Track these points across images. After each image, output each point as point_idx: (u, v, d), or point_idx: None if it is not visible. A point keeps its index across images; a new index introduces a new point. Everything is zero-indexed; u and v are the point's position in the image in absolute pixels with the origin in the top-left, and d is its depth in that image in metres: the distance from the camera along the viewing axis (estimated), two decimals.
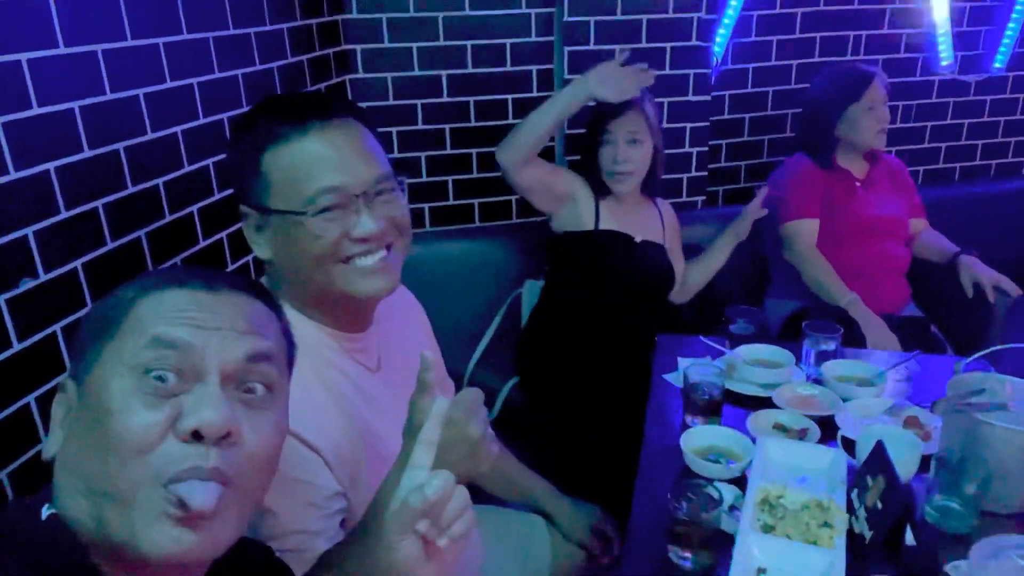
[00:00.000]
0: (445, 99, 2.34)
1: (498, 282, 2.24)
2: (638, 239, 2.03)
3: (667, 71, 2.34)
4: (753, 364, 1.59)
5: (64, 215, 1.17)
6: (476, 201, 2.47)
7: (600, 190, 2.02)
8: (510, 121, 2.38)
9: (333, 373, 1.06)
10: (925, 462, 1.26)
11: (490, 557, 1.32)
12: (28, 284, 1.11)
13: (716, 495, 1.13)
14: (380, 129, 2.22)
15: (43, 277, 1.13)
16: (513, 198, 2.48)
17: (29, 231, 1.11)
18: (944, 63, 2.73)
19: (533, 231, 2.37)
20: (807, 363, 1.61)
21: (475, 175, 2.44)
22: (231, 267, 1.63)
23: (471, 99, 2.36)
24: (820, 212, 2.22)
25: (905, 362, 1.61)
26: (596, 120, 2.00)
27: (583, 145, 2.06)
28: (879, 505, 1.08)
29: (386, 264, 1.03)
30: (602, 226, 2.01)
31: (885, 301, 2.19)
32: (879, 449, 1.14)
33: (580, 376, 1.94)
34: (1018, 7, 2.72)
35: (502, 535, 1.41)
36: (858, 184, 2.27)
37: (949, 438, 1.21)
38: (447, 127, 2.37)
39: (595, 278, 2.00)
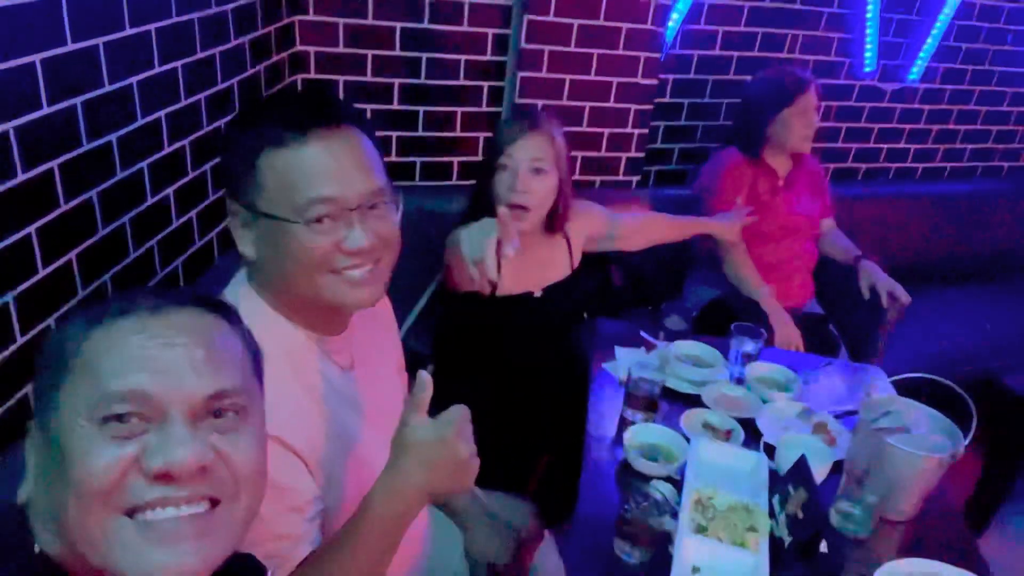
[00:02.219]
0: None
1: (439, 243, 2.25)
2: (538, 292, 1.87)
3: (620, 51, 2.37)
4: (685, 360, 1.72)
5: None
6: (418, 160, 2.44)
7: None
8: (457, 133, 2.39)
9: (311, 375, 1.07)
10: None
11: (430, 542, 1.38)
12: None
13: (660, 498, 1.25)
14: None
15: None
16: (455, 159, 2.47)
17: None
18: (867, 69, 2.90)
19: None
20: (734, 362, 1.75)
21: (419, 132, 2.40)
22: (177, 222, 1.56)
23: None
24: (746, 198, 2.35)
25: (816, 370, 1.78)
26: (494, 143, 1.76)
27: (479, 172, 1.83)
28: (799, 515, 1.23)
29: (374, 276, 1.03)
30: (500, 289, 1.79)
31: (793, 296, 2.38)
32: (802, 463, 1.29)
33: (502, 385, 1.88)
34: (937, 24, 2.91)
35: (441, 518, 1.47)
36: (780, 183, 2.42)
37: (856, 451, 1.38)
38: (396, 82, 2.32)
39: (494, 344, 1.87)
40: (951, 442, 1.34)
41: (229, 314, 0.76)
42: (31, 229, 1.12)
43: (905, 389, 1.71)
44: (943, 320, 2.74)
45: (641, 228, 2.15)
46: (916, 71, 2.99)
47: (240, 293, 1.05)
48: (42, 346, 0.71)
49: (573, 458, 1.52)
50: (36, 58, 1.09)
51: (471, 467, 0.99)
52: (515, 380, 1.88)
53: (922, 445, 1.33)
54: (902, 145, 3.17)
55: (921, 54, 2.96)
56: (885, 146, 3.15)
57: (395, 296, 1.27)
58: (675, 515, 1.27)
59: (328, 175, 0.96)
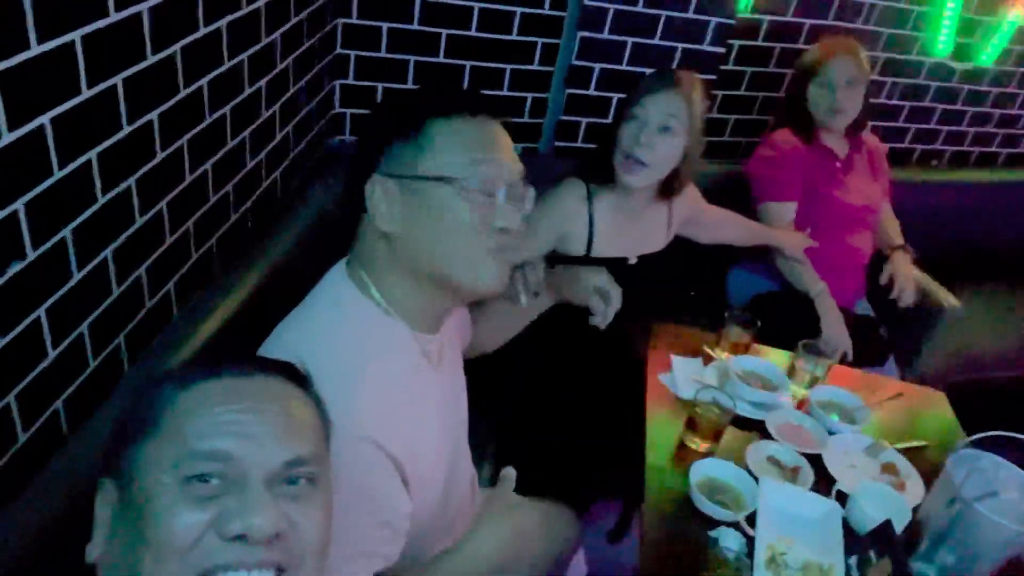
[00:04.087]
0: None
1: None
2: (633, 259, 1.82)
3: (690, 14, 2.16)
4: (746, 379, 1.62)
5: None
6: None
7: (603, 180, 1.74)
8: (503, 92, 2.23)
9: (411, 375, 1.03)
10: None
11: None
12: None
13: (733, 557, 1.18)
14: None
15: None
16: None
17: None
18: (941, 47, 2.70)
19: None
20: (798, 382, 1.65)
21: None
22: (161, 155, 1.41)
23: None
24: (800, 194, 2.20)
25: (882, 402, 1.69)
26: (629, 94, 1.72)
27: (614, 116, 1.78)
28: None
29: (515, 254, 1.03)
30: (594, 250, 1.77)
31: (844, 295, 2.25)
32: (887, 529, 1.20)
33: (565, 389, 1.82)
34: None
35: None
36: (838, 166, 2.24)
37: (938, 513, 1.30)
38: (443, 32, 2.11)
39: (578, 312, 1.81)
40: None
41: (305, 383, 0.79)
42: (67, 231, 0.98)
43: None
44: (984, 319, 2.65)
45: (720, 223, 2.06)
46: (990, 53, 2.78)
47: (341, 288, 1.02)
48: (125, 403, 0.73)
49: (615, 459, 1.45)
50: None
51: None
52: (584, 358, 1.80)
53: (1013, 514, 1.25)
54: (963, 127, 3.00)
55: (999, 35, 2.75)
56: (945, 128, 2.97)
57: None
58: (748, 570, 1.20)
59: (496, 150, 1.00)
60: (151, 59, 1.10)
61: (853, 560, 1.23)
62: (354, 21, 2.00)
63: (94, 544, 0.70)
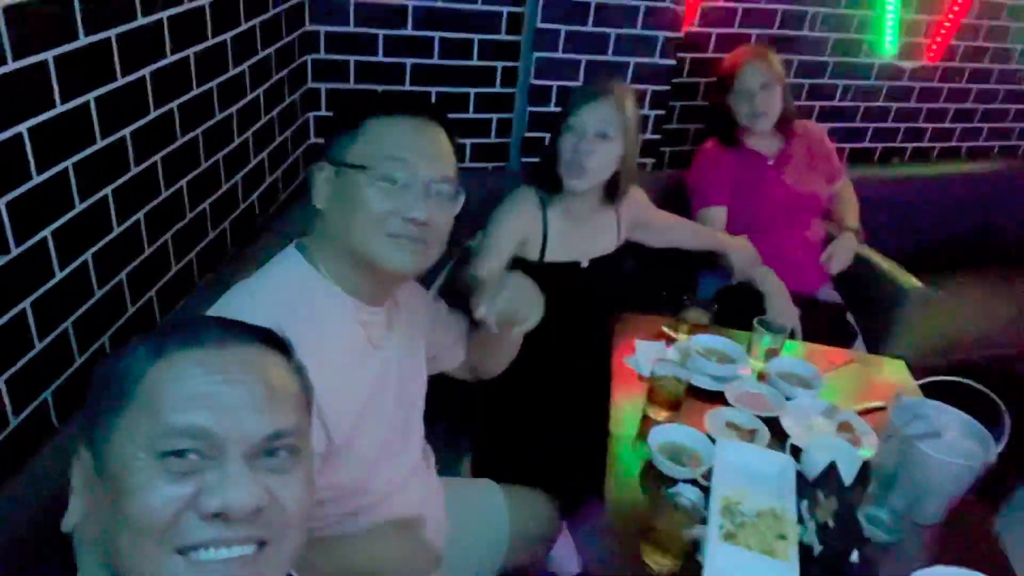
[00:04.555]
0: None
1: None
2: (585, 262, 1.90)
3: (638, 30, 2.30)
4: (706, 355, 1.69)
5: None
6: None
7: (552, 189, 1.83)
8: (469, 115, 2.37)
9: (344, 330, 1.13)
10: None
11: (453, 527, 1.40)
12: None
13: (689, 505, 1.24)
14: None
15: None
16: (468, 141, 2.42)
17: None
18: (887, 47, 2.83)
19: (485, 176, 2.37)
20: (756, 358, 1.73)
21: None
22: (135, 169, 1.52)
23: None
24: (729, 198, 2.29)
25: (837, 368, 1.76)
26: (568, 105, 1.80)
27: (551, 129, 1.85)
28: (830, 524, 1.22)
29: (419, 250, 1.11)
30: (548, 254, 1.85)
31: (806, 283, 2.31)
32: (833, 470, 1.27)
33: (533, 377, 1.82)
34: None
35: (462, 509, 1.47)
36: (769, 164, 2.32)
37: (885, 455, 1.36)
38: (408, 62, 2.25)
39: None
40: (982, 448, 1.33)
41: (286, 350, 0.76)
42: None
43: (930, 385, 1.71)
44: (961, 305, 2.72)
45: (669, 227, 2.14)
46: (936, 49, 2.92)
47: (290, 256, 1.15)
48: (97, 370, 0.70)
49: (593, 453, 1.51)
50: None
51: None
52: (548, 363, 1.85)
53: (955, 451, 1.31)
54: (920, 124, 3.11)
55: (942, 31, 2.89)
56: (903, 125, 3.09)
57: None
58: (703, 521, 1.26)
59: (413, 149, 1.10)
60: (120, 80, 1.22)
61: (804, 504, 1.29)
62: (322, 56, 2.15)
63: (71, 514, 0.68)
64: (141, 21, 1.26)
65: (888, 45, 2.83)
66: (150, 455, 0.63)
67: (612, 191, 1.86)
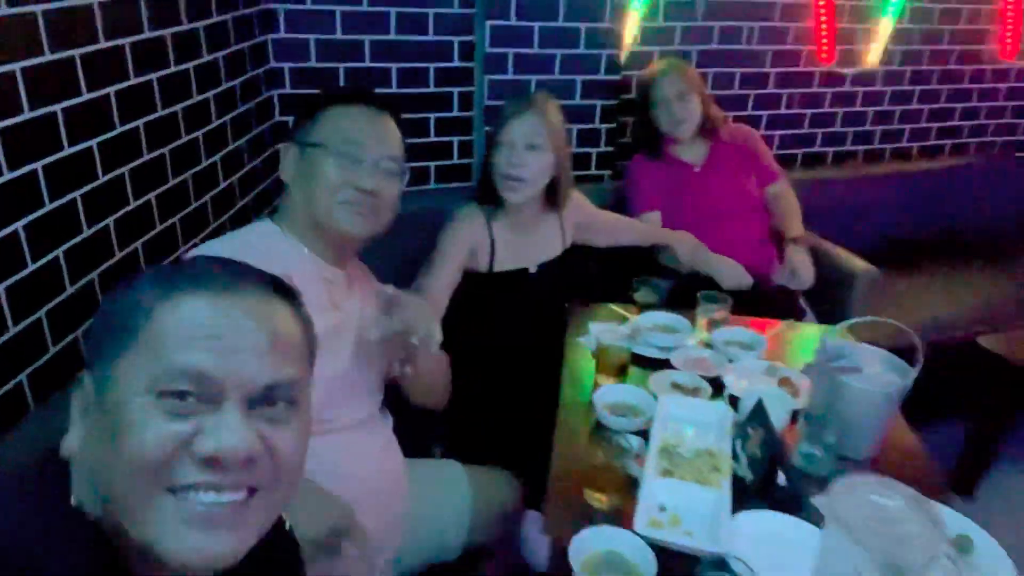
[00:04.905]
0: None
1: (416, 246, 2.33)
2: (533, 268, 2.00)
3: (581, 50, 2.47)
4: (654, 330, 1.79)
5: None
6: None
7: (494, 203, 1.93)
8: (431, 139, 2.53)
9: (313, 291, 1.17)
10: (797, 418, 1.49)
11: (413, 507, 1.47)
12: None
13: (627, 445, 1.32)
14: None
15: None
16: (432, 164, 2.57)
17: None
18: (824, 55, 3.00)
19: (450, 197, 2.49)
20: (700, 328, 1.82)
21: None
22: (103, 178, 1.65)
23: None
24: (662, 203, 2.40)
25: (780, 331, 1.85)
26: (496, 121, 1.92)
27: (486, 148, 1.96)
28: (757, 452, 1.29)
29: (368, 212, 1.32)
30: (497, 265, 1.95)
31: (754, 270, 2.36)
32: (759, 405, 1.35)
33: (489, 370, 1.94)
34: (892, 7, 3.01)
35: (424, 485, 1.54)
36: (696, 172, 2.43)
37: (815, 396, 1.44)
38: None
39: (487, 321, 1.97)
40: (903, 379, 1.41)
41: (295, 300, 0.76)
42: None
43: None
44: (920, 296, 2.81)
45: (612, 227, 2.27)
46: (874, 54, 3.09)
47: (258, 221, 1.36)
48: (106, 300, 0.71)
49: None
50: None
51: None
52: (506, 358, 1.94)
53: (875, 383, 1.39)
54: (868, 127, 3.26)
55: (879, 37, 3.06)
56: (851, 130, 3.24)
57: None
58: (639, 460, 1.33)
59: (359, 134, 1.33)
60: (86, 96, 1.37)
61: (738, 443, 1.36)
62: (287, 91, 2.31)
63: (69, 439, 0.69)
64: None
65: (825, 54, 3.00)
66: (149, 393, 0.63)
67: (553, 197, 1.97)
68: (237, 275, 0.71)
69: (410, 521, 1.46)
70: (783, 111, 3.05)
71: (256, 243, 1.30)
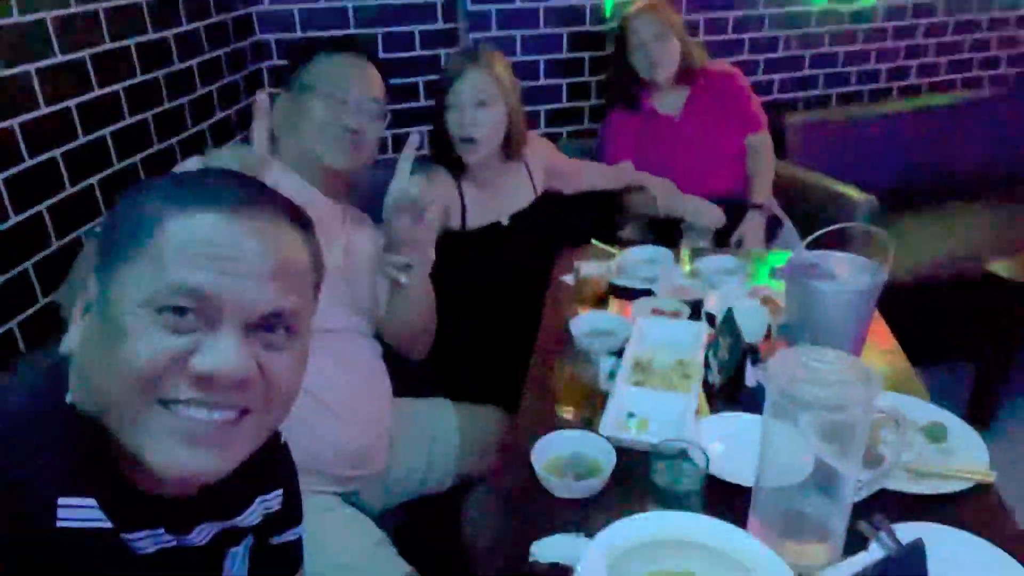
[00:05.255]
0: None
1: None
2: (505, 220, 1.97)
3: (564, 1, 2.48)
4: (639, 263, 1.79)
5: None
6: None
7: (456, 165, 1.89)
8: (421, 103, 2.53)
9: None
10: None
11: (402, 438, 1.51)
12: None
13: (598, 360, 1.33)
14: None
15: None
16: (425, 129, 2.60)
17: None
18: None
19: None
20: (683, 259, 1.82)
21: None
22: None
23: None
24: (635, 155, 2.31)
25: (764, 256, 1.84)
26: (439, 84, 1.84)
27: (433, 115, 1.88)
28: (726, 356, 1.30)
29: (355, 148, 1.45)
30: (470, 222, 1.92)
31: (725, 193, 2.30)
32: (728, 314, 1.35)
33: (473, 318, 1.93)
34: None
35: (413, 419, 1.58)
36: (676, 121, 2.33)
37: (790, 303, 1.44)
38: None
39: (467, 277, 1.92)
40: (875, 280, 1.39)
41: (306, 225, 0.75)
42: None
43: None
44: (931, 233, 2.75)
45: (579, 172, 2.22)
46: None
47: None
48: (117, 207, 0.70)
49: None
50: None
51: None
52: (489, 306, 1.96)
53: (848, 285, 1.38)
54: (872, 66, 3.19)
55: None
56: (854, 69, 3.17)
57: None
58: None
59: (351, 74, 1.46)
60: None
61: (710, 352, 1.37)
62: (276, 63, 2.37)
63: (70, 336, 0.69)
64: None
65: None
66: (150, 306, 0.63)
67: (510, 149, 1.91)
68: (250, 195, 0.70)
69: (400, 451, 1.50)
70: (781, 53, 3.00)
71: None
